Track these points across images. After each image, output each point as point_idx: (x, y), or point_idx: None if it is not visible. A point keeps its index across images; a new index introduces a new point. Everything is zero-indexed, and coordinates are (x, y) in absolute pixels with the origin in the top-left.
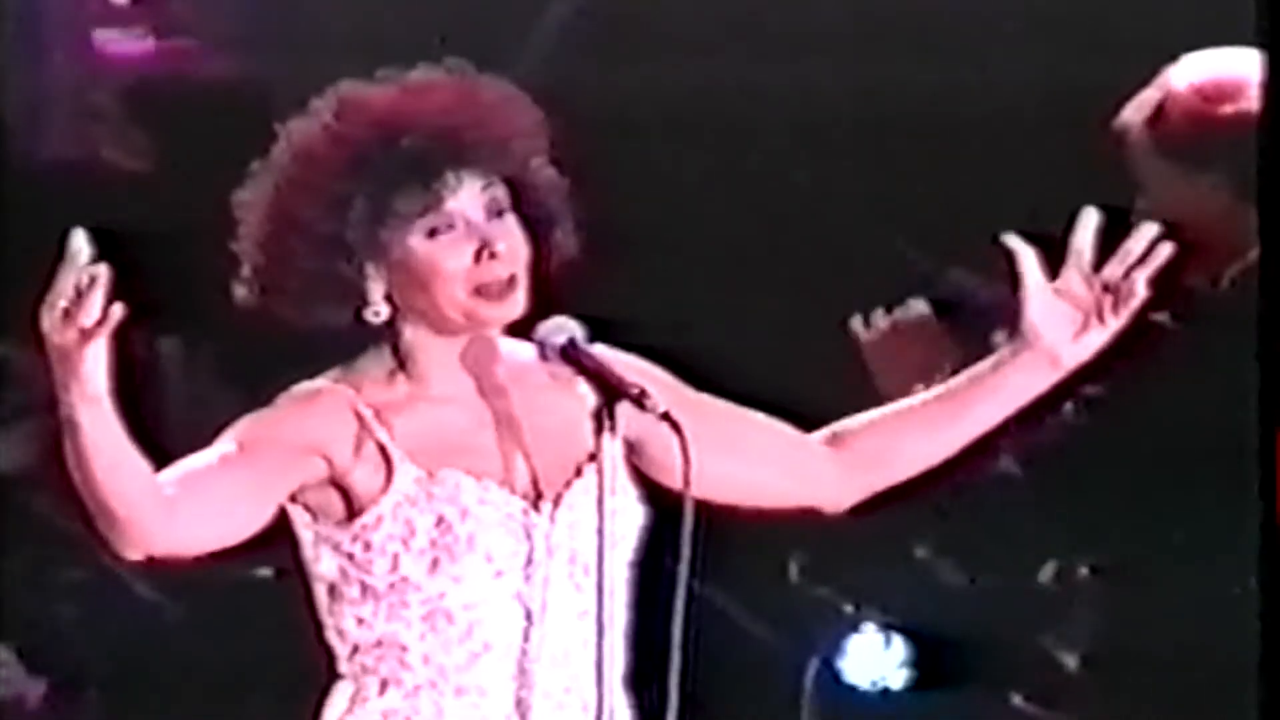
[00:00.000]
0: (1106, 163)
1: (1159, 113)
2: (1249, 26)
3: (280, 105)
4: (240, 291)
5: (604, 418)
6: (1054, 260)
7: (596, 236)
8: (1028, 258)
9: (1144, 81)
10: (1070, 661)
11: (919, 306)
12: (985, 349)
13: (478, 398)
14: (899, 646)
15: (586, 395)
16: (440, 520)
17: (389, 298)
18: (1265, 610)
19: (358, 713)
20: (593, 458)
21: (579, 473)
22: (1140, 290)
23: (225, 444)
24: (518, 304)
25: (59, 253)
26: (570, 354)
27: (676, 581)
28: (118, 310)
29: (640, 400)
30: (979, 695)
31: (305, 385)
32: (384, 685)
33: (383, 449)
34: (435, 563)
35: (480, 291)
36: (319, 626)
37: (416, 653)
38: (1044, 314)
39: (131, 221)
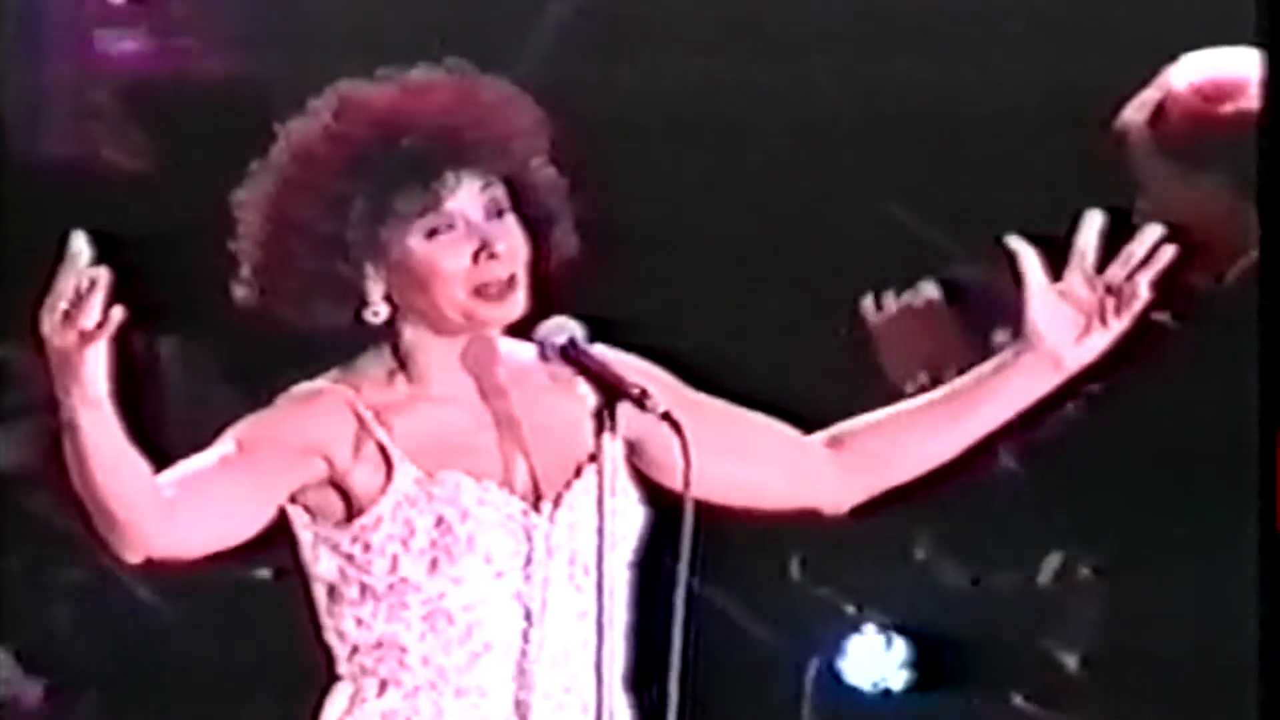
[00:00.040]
0: (1107, 163)
1: (1159, 112)
2: (1249, 26)
3: (280, 105)
4: (239, 292)
5: (604, 418)
6: (1056, 261)
7: (596, 236)
8: (1030, 259)
9: (1144, 81)
10: (1071, 662)
11: (929, 290)
12: (985, 347)
13: (478, 398)
14: (900, 647)
15: (587, 395)
16: (440, 521)
17: (388, 298)
18: (1265, 610)
19: (357, 714)
20: (593, 458)
21: (579, 473)
22: (1143, 292)
23: (225, 445)
24: (517, 304)
25: (58, 253)
26: (570, 354)
27: (677, 582)
28: (118, 313)
29: (641, 400)
30: (980, 696)
31: (305, 386)
32: (383, 686)
33: (382, 449)
34: (435, 563)
35: (480, 292)
36: (318, 627)
37: (416, 653)
38: (1046, 316)
39: (131, 221)
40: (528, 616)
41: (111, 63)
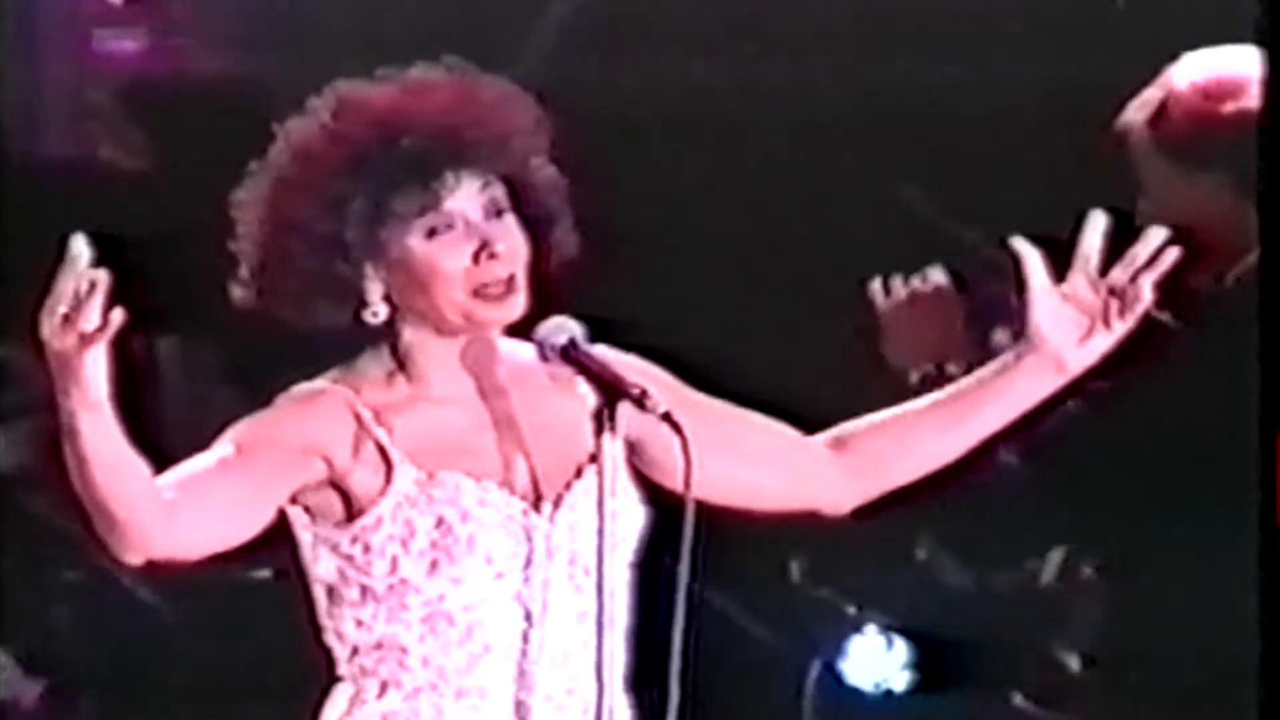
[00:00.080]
0: (1108, 163)
1: (1161, 112)
2: (1250, 25)
3: (278, 104)
4: (238, 292)
5: (604, 418)
6: (1056, 261)
7: (596, 236)
8: (1034, 261)
9: (1145, 81)
10: (1073, 662)
11: (938, 277)
12: (985, 346)
13: (477, 398)
14: (901, 648)
15: (587, 396)
16: (440, 522)
17: (388, 298)
18: (1265, 610)
19: (357, 715)
20: (593, 458)
21: (579, 473)
22: (1146, 295)
23: (224, 447)
24: (517, 306)
25: (57, 253)
26: (570, 354)
27: (677, 583)
28: (118, 316)
29: (641, 400)
30: (981, 697)
31: (304, 386)
32: (383, 687)
33: (382, 450)
34: (435, 564)
35: (480, 292)
36: (318, 628)
37: (416, 655)
38: (1049, 318)
39: (130, 221)
40: (528, 617)
41: (110, 62)
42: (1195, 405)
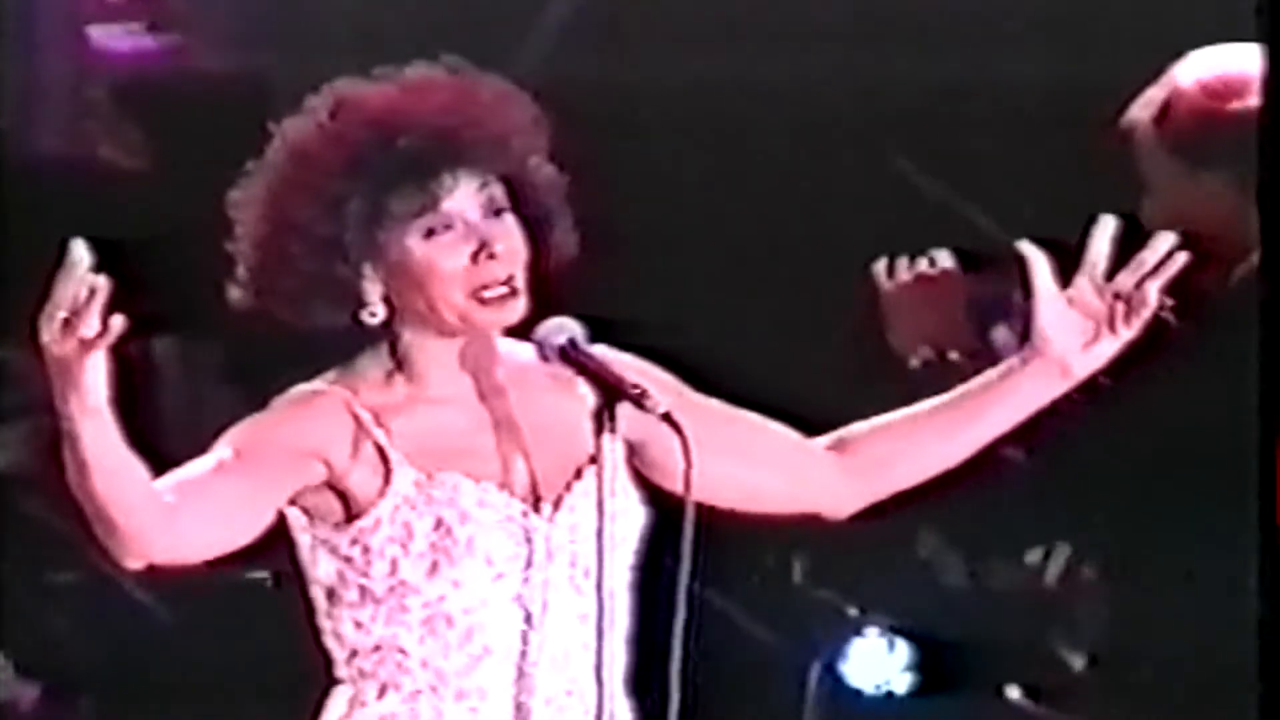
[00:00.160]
0: (1112, 161)
1: (1165, 110)
2: (1252, 22)
3: (276, 103)
4: (236, 293)
5: (604, 419)
6: (1057, 262)
7: (596, 236)
8: (1040, 265)
9: (1150, 79)
10: (1076, 662)
11: (945, 260)
12: (985, 345)
13: (476, 399)
14: (902, 650)
15: (586, 396)
16: (439, 523)
17: (386, 299)
18: (1265, 610)
19: (356, 717)
20: (593, 459)
21: (579, 474)
22: (1152, 300)
23: (222, 449)
24: (516, 311)
25: (56, 254)
26: (570, 354)
27: (678, 584)
28: (118, 322)
29: (641, 401)
30: (982, 698)
31: (302, 387)
32: (383, 689)
33: (381, 451)
34: (434, 566)
35: (479, 294)
36: (317, 630)
37: (415, 657)
38: (1055, 322)
39: (128, 220)
40: (528, 619)
41: (108, 59)
42: (1196, 405)
